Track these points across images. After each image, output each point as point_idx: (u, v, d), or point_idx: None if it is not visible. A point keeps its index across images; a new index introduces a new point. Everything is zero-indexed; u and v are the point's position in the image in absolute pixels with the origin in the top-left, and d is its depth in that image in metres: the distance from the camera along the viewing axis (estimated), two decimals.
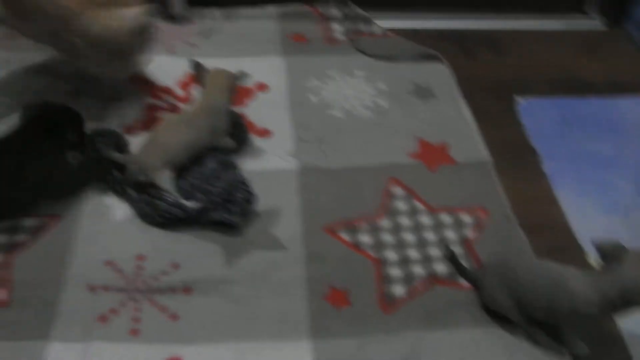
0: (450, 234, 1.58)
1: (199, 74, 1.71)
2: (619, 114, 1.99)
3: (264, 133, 1.82)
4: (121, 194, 1.56)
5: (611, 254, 1.19)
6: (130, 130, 1.76)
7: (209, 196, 1.52)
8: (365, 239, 1.55)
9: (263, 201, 1.59)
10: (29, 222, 1.51)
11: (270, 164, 1.72)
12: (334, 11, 2.29)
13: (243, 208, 1.53)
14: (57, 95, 1.82)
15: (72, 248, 1.46)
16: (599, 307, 1.18)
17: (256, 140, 1.78)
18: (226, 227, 1.52)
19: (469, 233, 1.59)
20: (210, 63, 2.00)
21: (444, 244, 1.54)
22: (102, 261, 1.44)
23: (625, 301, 1.16)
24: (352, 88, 2.01)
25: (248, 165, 1.67)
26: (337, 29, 2.26)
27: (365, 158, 1.77)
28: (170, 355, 1.28)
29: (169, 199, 1.49)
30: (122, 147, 1.65)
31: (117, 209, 1.56)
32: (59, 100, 1.72)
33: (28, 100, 1.66)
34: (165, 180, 1.52)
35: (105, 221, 1.53)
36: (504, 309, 1.34)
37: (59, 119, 1.53)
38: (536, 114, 1.97)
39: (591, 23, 2.43)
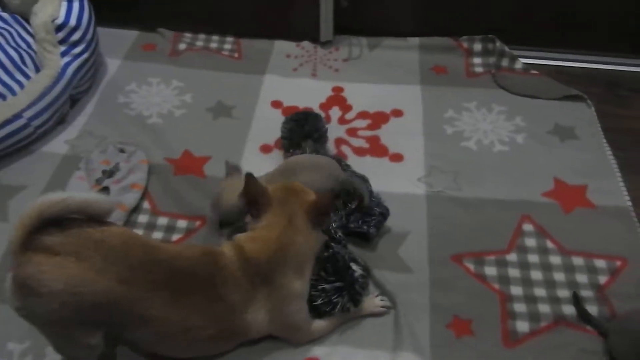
0: (582, 278, 1.52)
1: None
2: None
3: (396, 158, 1.86)
4: None
5: None
6: None
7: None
8: (492, 272, 1.54)
9: (392, 222, 1.63)
10: None
11: (400, 188, 1.75)
12: (478, 46, 2.30)
13: (378, 221, 1.58)
14: None
15: None
16: None
17: (388, 164, 1.84)
18: (361, 239, 1.58)
19: (603, 280, 1.52)
20: (350, 87, 2.13)
21: (573, 287, 1.48)
22: None
23: None
24: (489, 122, 2.01)
25: (378, 187, 1.71)
26: (478, 62, 2.26)
27: (497, 192, 1.75)
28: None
29: None
30: None
31: None
32: None
33: None
34: None
35: None
36: None
37: None
38: None
39: None
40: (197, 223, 1.65)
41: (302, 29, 2.31)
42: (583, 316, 1.42)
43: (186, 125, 1.98)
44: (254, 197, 1.27)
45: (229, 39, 2.35)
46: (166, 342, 1.21)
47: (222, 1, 2.27)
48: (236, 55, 2.28)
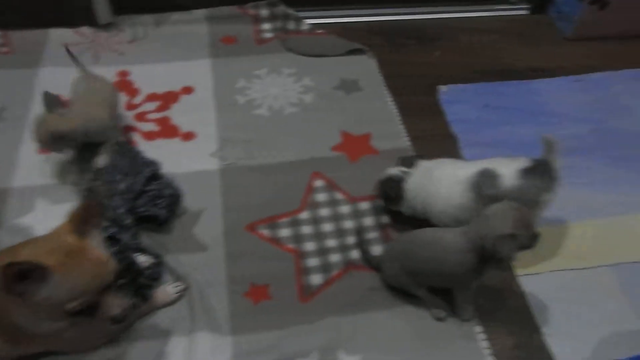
0: (368, 221, 1.63)
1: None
2: (538, 98, 2.05)
3: (188, 136, 1.85)
4: None
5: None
6: None
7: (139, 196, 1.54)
8: (286, 233, 1.59)
9: (188, 202, 1.62)
10: None
11: (193, 166, 1.75)
12: (265, 11, 2.32)
13: (169, 203, 1.56)
14: None
15: None
16: (473, 258, 1.25)
17: (180, 144, 1.81)
18: (154, 223, 1.55)
19: (386, 218, 1.64)
20: (137, 70, 2.06)
21: (356, 230, 1.59)
22: None
23: (491, 249, 1.21)
24: (279, 86, 2.05)
25: (171, 168, 1.68)
26: (267, 28, 2.29)
27: (289, 155, 1.81)
28: None
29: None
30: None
31: None
32: None
33: None
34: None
35: None
36: (403, 285, 1.41)
37: None
38: (458, 101, 2.02)
39: (516, 11, 2.49)
40: None
41: (78, 14, 2.17)
42: (364, 256, 1.53)
43: None
44: None
45: None
46: None
47: None
48: (5, 49, 2.10)
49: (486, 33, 2.38)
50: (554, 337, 1.40)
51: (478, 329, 1.41)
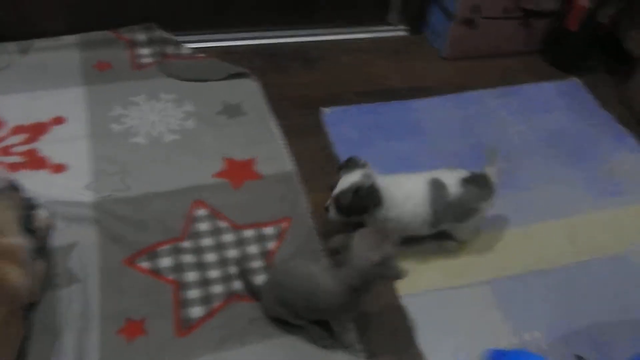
0: (253, 249, 1.59)
1: None
2: (416, 116, 2.12)
3: (59, 168, 1.74)
4: None
5: (343, 245, 1.26)
6: None
7: None
8: (166, 262, 1.53)
9: (60, 237, 1.52)
10: None
11: (65, 199, 1.63)
12: (141, 36, 2.24)
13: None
14: None
15: None
16: (347, 296, 1.25)
17: (49, 176, 1.70)
18: None
19: (271, 245, 1.61)
20: (1, 101, 1.91)
21: (237, 260, 1.55)
22: None
23: (365, 281, 1.23)
24: (158, 113, 1.98)
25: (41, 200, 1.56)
26: (145, 53, 2.21)
27: (168, 184, 1.74)
28: None
29: None
30: None
31: None
32: None
33: None
34: None
35: None
36: (281, 315, 1.38)
37: None
38: (341, 123, 2.05)
39: (395, 32, 2.57)
40: None
41: None
42: (246, 286, 1.48)
43: None
44: None
45: None
46: None
47: None
48: None
49: (367, 54, 2.44)
50: (434, 356, 1.42)
51: (361, 353, 1.40)
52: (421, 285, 1.57)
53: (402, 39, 2.56)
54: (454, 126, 2.11)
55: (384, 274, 1.21)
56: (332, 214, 1.50)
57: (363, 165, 1.48)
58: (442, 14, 2.38)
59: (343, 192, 1.44)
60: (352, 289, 1.23)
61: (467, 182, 1.52)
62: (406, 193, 1.49)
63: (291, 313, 1.35)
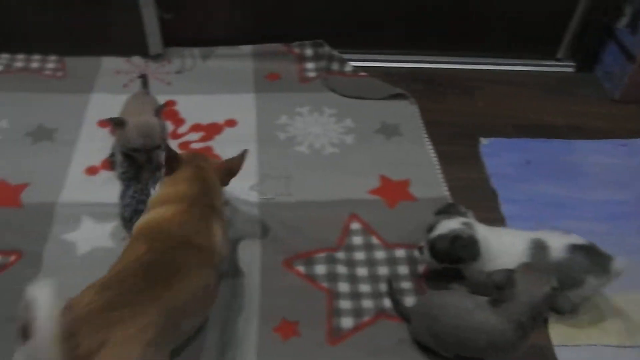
0: (403, 270, 1.61)
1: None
2: (577, 158, 2.03)
3: None
4: None
5: (504, 281, 1.23)
6: None
7: None
8: (321, 270, 1.59)
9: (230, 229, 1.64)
10: None
11: (234, 195, 1.76)
12: (309, 51, 2.36)
13: None
14: None
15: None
16: (515, 333, 1.22)
17: None
18: None
19: (422, 268, 1.62)
20: (183, 100, 2.10)
21: (388, 279, 1.57)
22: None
23: (533, 316, 1.20)
24: (321, 125, 2.07)
25: None
26: (311, 67, 2.33)
27: (327, 194, 1.81)
28: None
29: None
30: None
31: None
32: None
33: None
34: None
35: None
36: (429, 343, 1.38)
37: None
38: (498, 155, 2.01)
39: (561, 67, 2.48)
40: (12, 258, 1.55)
41: (130, 44, 2.25)
42: (394, 305, 1.50)
43: (1, 152, 1.86)
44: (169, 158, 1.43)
45: (52, 57, 2.23)
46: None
47: (39, 18, 2.15)
48: (60, 74, 2.18)
49: (529, 87, 2.38)
50: None
51: None
52: (580, 338, 1.48)
53: (568, 75, 2.47)
54: (621, 175, 1.97)
55: (556, 306, 1.18)
56: (425, 257, 1.48)
57: (464, 214, 1.45)
58: (620, 54, 2.27)
59: (441, 237, 1.42)
60: (520, 326, 1.21)
61: (576, 249, 1.40)
62: (504, 247, 1.43)
63: (441, 345, 1.35)
